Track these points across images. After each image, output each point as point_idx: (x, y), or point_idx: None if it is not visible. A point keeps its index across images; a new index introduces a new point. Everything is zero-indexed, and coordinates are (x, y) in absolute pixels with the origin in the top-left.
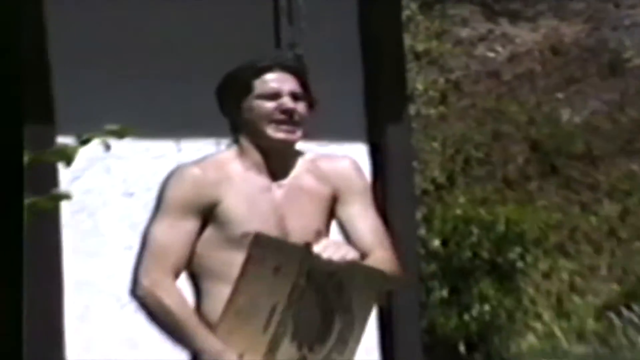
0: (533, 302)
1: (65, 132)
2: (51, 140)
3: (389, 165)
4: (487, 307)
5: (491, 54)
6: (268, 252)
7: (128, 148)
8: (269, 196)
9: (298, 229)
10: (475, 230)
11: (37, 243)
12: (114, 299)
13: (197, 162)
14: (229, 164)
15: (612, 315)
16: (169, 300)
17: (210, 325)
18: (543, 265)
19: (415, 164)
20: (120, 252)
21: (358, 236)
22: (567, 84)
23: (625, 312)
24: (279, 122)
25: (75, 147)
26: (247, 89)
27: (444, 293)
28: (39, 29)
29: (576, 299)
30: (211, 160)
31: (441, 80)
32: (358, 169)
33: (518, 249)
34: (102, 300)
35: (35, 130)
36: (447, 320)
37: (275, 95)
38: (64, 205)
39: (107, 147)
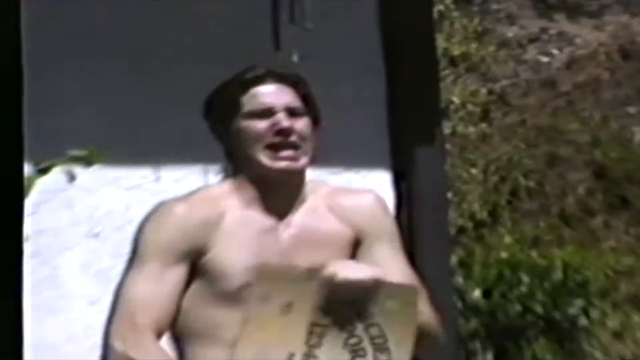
0: None
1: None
2: (18, 169)
3: (417, 198)
4: None
5: (545, 59)
6: (275, 286)
7: (96, 177)
8: (273, 239)
9: None
10: (525, 278)
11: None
12: None
13: (183, 198)
14: (223, 200)
15: None
16: (139, 354)
17: None
18: (612, 322)
19: (449, 195)
20: (83, 307)
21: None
22: None
23: None
24: (275, 147)
25: (33, 176)
26: (236, 107)
27: (489, 357)
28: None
29: None
30: (200, 195)
31: (483, 91)
32: (385, 207)
33: (580, 302)
34: None
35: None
36: None
37: (267, 113)
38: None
39: (71, 177)
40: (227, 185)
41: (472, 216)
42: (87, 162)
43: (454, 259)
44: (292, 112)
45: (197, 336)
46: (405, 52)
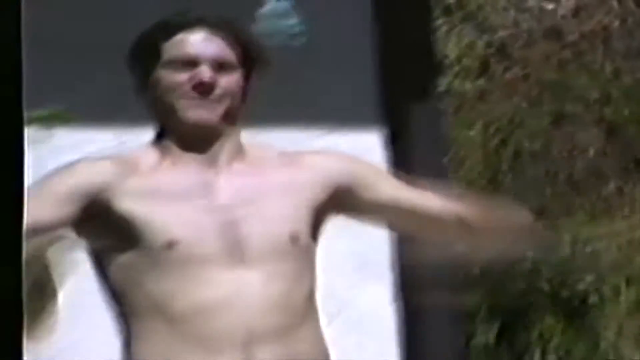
0: (615, 347)
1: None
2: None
3: (411, 161)
4: (552, 357)
5: (549, 6)
6: None
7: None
8: (206, 196)
9: (259, 235)
10: (529, 252)
11: None
12: None
13: (94, 156)
14: (145, 159)
15: None
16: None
17: None
18: (626, 299)
19: (446, 159)
20: None
21: (428, 206)
22: None
23: None
24: (190, 98)
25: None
26: (156, 54)
27: (491, 336)
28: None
29: None
30: (124, 154)
31: (481, 43)
32: (355, 157)
33: (590, 278)
34: None
35: None
36: None
37: (190, 63)
38: None
39: (47, 132)
40: (153, 145)
41: (471, 182)
42: (64, 119)
43: None
44: (219, 66)
45: (136, 310)
46: (396, 3)
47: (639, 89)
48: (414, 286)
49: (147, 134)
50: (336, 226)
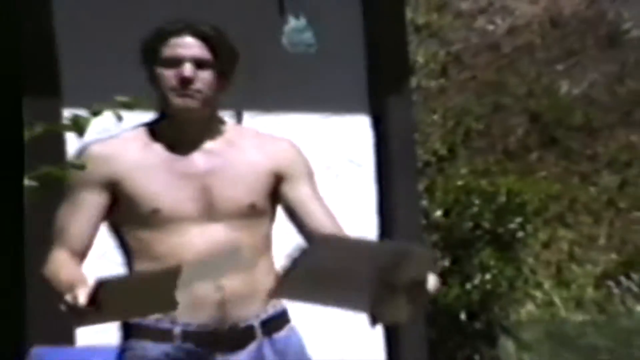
0: (533, 271)
1: (72, 105)
2: (57, 113)
3: (391, 137)
4: (488, 277)
5: (491, 27)
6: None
7: (139, 120)
8: (185, 167)
9: (226, 200)
10: (476, 201)
11: (46, 211)
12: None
13: (102, 139)
14: (135, 138)
15: (611, 283)
16: (52, 269)
17: None
18: (543, 235)
19: (416, 136)
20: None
21: (314, 219)
22: (566, 56)
23: (623, 280)
24: (177, 90)
25: (88, 118)
26: (155, 54)
27: (446, 263)
28: (44, 1)
29: (575, 268)
30: (117, 135)
31: (441, 53)
32: (300, 151)
33: (518, 219)
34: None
35: (40, 103)
36: (449, 289)
37: (176, 62)
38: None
39: (119, 118)
40: (145, 127)
41: (434, 152)
42: (131, 106)
43: (420, 186)
44: (199, 64)
45: (133, 252)
46: (381, 22)
47: (555, 87)
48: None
49: None
50: None
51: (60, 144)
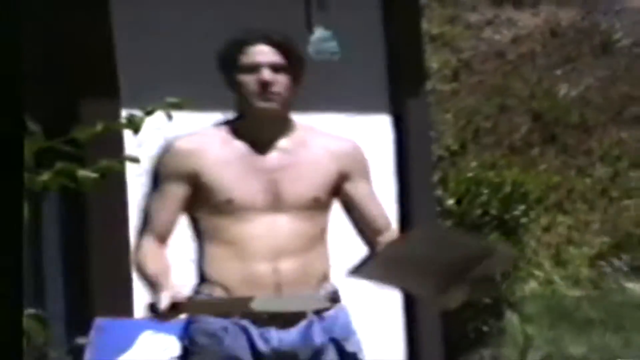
0: (535, 252)
1: (129, 105)
2: (116, 113)
3: (409, 134)
4: None
5: (497, 37)
6: None
7: (189, 119)
8: (259, 163)
9: (293, 194)
10: (484, 190)
11: (106, 200)
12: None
13: (185, 135)
14: (216, 135)
15: (603, 263)
16: (140, 257)
17: (212, 282)
18: (544, 221)
19: (432, 133)
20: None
21: (372, 217)
22: (564, 62)
23: (615, 261)
24: (258, 93)
25: (142, 117)
26: (234, 62)
27: None
28: (103, 10)
29: (572, 250)
30: (199, 131)
31: (453, 60)
32: (363, 152)
33: (522, 207)
34: None
35: (100, 104)
36: None
37: (255, 68)
38: (130, 169)
39: (169, 117)
40: (224, 124)
41: (447, 148)
42: (180, 107)
43: (435, 178)
44: (275, 69)
45: (205, 236)
46: (400, 32)
47: (554, 90)
48: None
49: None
50: None
51: (119, 140)
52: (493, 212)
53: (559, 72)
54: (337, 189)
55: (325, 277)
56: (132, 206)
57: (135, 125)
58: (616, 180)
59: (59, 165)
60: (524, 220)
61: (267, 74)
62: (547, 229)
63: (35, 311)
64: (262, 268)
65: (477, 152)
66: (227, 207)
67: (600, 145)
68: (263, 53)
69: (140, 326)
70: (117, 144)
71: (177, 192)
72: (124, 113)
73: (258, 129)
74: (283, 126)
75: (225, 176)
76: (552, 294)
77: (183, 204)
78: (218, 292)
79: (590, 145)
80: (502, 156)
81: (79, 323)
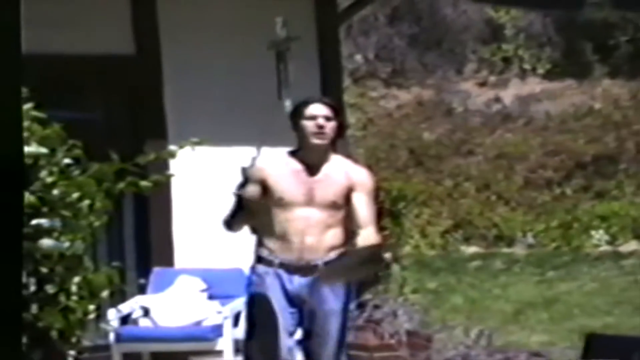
0: (409, 230)
1: (172, 141)
2: (164, 146)
3: None
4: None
5: (388, 105)
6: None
7: (214, 153)
8: (304, 177)
9: (320, 197)
10: (382, 194)
11: (159, 198)
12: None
13: (262, 157)
14: (282, 159)
15: (449, 236)
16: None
17: (264, 246)
18: (415, 211)
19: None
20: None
21: (361, 216)
22: (426, 120)
23: (455, 234)
24: (314, 133)
25: (176, 150)
26: (301, 114)
27: None
28: (154, 60)
29: (430, 228)
30: (272, 156)
31: (363, 118)
32: (368, 175)
33: (403, 203)
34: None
35: (153, 140)
36: None
37: (313, 117)
38: (173, 181)
39: (193, 149)
40: (289, 152)
41: None
42: (199, 144)
43: None
44: (327, 118)
45: (261, 228)
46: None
47: (422, 135)
48: None
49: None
50: None
51: (165, 163)
52: (387, 206)
53: (423, 125)
54: (348, 197)
55: (332, 249)
56: (175, 203)
57: (172, 155)
58: (457, 188)
59: (130, 178)
60: (404, 211)
61: (321, 121)
62: (417, 216)
63: (117, 263)
64: (295, 240)
65: (377, 173)
66: (280, 203)
67: (448, 168)
68: (319, 109)
69: (178, 273)
70: (164, 165)
71: (255, 188)
72: (170, 147)
73: (310, 157)
74: (325, 155)
75: (280, 183)
76: (419, 254)
77: (259, 195)
78: (266, 252)
79: (442, 168)
80: (392, 175)
81: (143, 271)
